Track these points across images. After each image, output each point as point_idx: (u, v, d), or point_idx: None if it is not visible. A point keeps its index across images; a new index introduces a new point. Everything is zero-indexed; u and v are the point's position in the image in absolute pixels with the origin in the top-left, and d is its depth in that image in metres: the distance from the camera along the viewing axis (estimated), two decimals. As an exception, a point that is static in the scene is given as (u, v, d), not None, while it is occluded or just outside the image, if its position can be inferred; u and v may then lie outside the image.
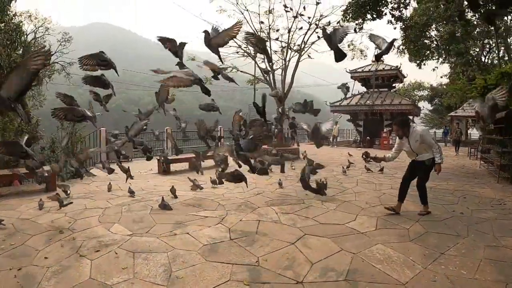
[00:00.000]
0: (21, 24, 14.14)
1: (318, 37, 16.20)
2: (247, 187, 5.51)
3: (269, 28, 14.92)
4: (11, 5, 12.85)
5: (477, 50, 21.14)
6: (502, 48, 18.24)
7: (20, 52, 13.29)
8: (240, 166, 4.82)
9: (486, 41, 20.47)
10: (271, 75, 14.11)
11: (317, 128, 4.35)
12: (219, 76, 3.99)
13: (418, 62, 18.58)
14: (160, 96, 4.32)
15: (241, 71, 17.14)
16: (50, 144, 8.69)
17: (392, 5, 12.75)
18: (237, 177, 4.51)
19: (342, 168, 8.70)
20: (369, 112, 20.50)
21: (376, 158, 4.90)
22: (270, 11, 15.44)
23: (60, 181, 6.37)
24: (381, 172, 8.64)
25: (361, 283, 2.76)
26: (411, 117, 19.60)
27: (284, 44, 15.08)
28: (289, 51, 14.86)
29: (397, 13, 13.01)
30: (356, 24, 13.27)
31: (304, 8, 15.67)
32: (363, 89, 22.54)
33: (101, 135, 11.05)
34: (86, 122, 4.20)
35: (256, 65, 16.66)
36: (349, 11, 13.13)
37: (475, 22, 17.01)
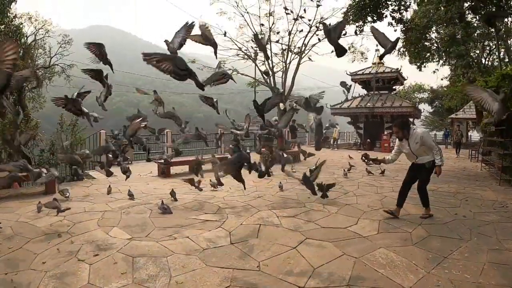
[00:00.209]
0: (21, 26, 14.15)
1: (319, 39, 16.24)
2: (245, 188, 5.46)
3: (270, 30, 14.93)
4: (11, 6, 12.85)
5: (478, 52, 21.12)
6: (503, 50, 18.20)
7: (20, 54, 13.29)
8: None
9: (486, 43, 20.45)
10: (271, 77, 14.11)
11: (319, 124, 4.18)
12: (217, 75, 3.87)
13: (418, 64, 18.52)
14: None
15: (241, 74, 17.15)
16: (50, 147, 8.64)
17: (392, 7, 12.74)
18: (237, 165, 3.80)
19: (343, 171, 8.66)
20: (370, 114, 20.46)
21: (375, 160, 4.86)
22: (270, 14, 15.47)
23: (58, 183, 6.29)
24: (382, 175, 8.59)
25: (364, 289, 2.72)
26: (411, 119, 19.57)
27: (284, 47, 15.09)
28: (290, 53, 14.87)
29: (397, 15, 13.00)
30: (357, 27, 13.29)
31: (304, 10, 15.75)
32: (364, 91, 22.53)
33: (101, 137, 11.01)
34: (82, 118, 4.20)
35: (256, 67, 16.69)
36: (349, 13, 13.13)
37: (475, 24, 17.01)
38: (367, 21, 12.70)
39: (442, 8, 13.68)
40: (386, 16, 12.69)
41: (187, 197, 5.92)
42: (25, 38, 15.08)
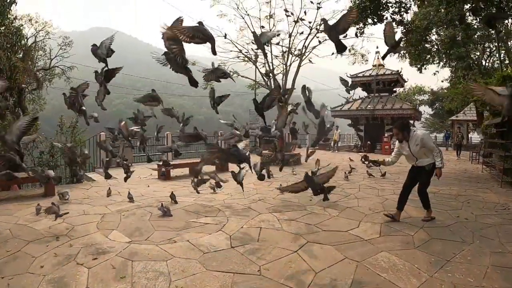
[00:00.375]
0: (21, 27, 14.14)
1: (319, 41, 16.24)
2: (243, 189, 5.43)
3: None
4: (12, 8, 12.85)
5: (478, 54, 21.12)
6: (503, 51, 18.20)
7: (20, 55, 13.29)
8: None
9: (486, 44, 20.45)
10: (271, 79, 14.09)
11: (323, 122, 4.12)
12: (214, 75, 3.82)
13: (419, 66, 18.54)
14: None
15: (242, 76, 17.14)
16: (49, 149, 8.61)
17: (393, 9, 12.73)
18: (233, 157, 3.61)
19: (344, 173, 8.62)
20: (370, 116, 20.46)
21: (375, 161, 4.83)
22: (271, 16, 15.49)
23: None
24: (383, 177, 8.56)
25: (366, 293, 2.68)
26: (412, 121, 19.55)
27: (285, 49, 15.09)
28: (290, 56, 14.87)
29: (398, 17, 12.99)
30: (357, 29, 13.27)
31: (305, 13, 15.73)
32: (364, 93, 22.55)
33: (100, 139, 10.99)
34: (80, 117, 4.19)
35: (256, 69, 16.68)
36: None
37: (476, 26, 17.02)
38: (367, 23, 12.69)
39: (442, 10, 13.69)
40: (386, 18, 12.67)
41: (187, 200, 5.88)
42: (26, 40, 15.07)
